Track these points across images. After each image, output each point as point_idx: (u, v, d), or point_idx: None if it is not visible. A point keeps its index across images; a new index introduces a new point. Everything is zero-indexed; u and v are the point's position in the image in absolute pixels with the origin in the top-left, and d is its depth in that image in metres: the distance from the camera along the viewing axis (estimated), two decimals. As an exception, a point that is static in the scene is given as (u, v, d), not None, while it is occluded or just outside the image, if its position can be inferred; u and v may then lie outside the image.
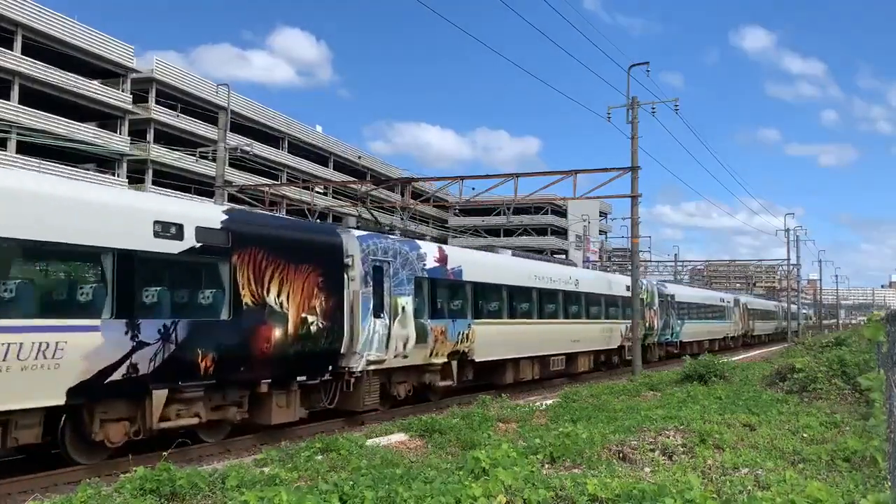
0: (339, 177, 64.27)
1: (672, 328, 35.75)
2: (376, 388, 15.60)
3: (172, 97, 54.11)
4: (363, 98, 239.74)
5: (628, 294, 27.39)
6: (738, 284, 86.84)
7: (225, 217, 12.19)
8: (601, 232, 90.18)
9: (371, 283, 15.21)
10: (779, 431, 10.59)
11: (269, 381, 12.68)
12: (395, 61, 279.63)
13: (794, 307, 77.53)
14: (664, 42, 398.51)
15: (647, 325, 30.80)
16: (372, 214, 24.28)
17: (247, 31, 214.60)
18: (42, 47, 43.91)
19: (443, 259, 18.12)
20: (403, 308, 16.22)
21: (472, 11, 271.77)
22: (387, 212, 56.96)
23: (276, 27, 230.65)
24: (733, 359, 28.00)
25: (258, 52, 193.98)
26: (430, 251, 17.81)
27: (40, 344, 9.26)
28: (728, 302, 49.14)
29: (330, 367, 14.26)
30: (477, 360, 19.00)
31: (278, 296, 12.71)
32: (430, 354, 17.14)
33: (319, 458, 9.24)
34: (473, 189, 32.98)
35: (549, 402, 15.79)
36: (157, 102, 53.25)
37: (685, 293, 41.32)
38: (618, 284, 30.11)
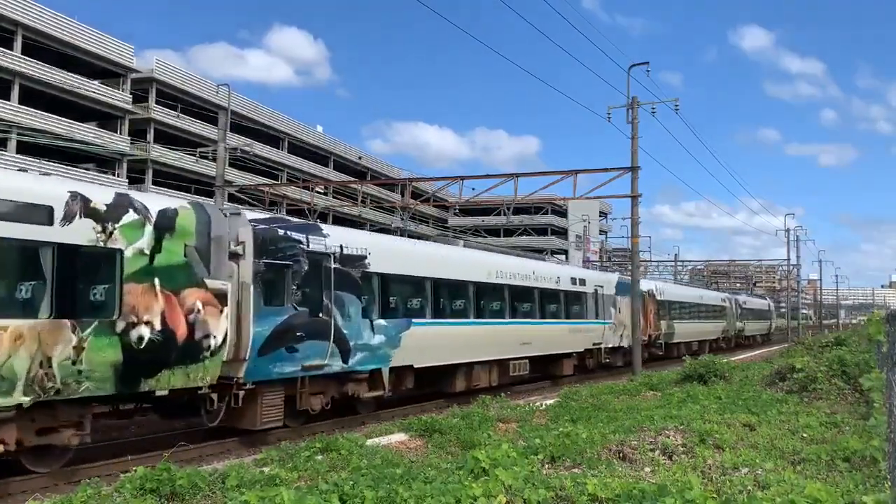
0: (339, 177, 64.31)
1: (360, 341, 15.27)
2: None
3: (172, 97, 54.13)
4: (361, 97, 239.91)
5: None
6: (738, 284, 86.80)
7: None
8: (601, 232, 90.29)
9: None
10: (779, 431, 10.60)
11: None
12: (393, 60, 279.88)
13: (752, 301, 59.91)
14: (663, 41, 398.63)
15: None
16: None
17: (243, 31, 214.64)
18: (42, 47, 43.92)
19: None
20: None
21: (471, 10, 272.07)
22: (387, 212, 57.01)
23: (272, 26, 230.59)
24: (733, 358, 27.98)
25: (255, 51, 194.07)
26: None
27: None
28: (597, 287, 27.47)
29: None
30: None
31: None
32: None
33: (319, 458, 9.25)
34: (473, 189, 33.02)
35: (549, 402, 15.80)
36: (157, 102, 53.26)
37: (443, 258, 19.30)
38: None
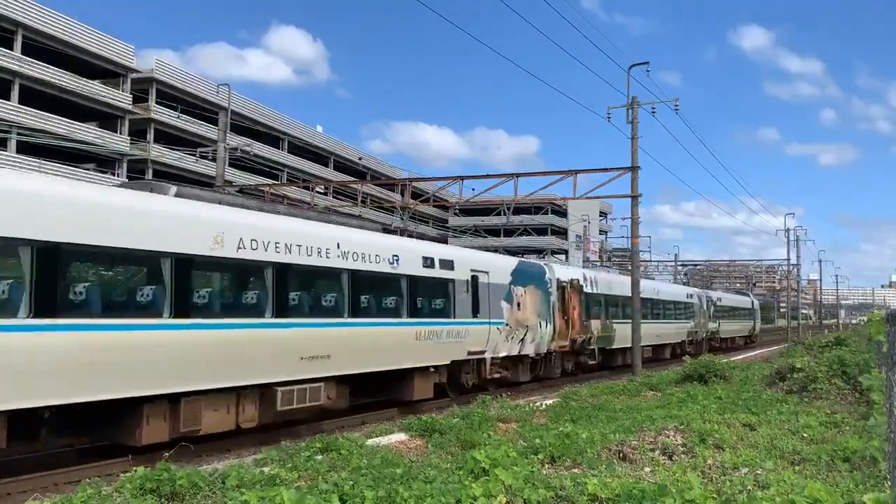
0: (339, 177, 64.33)
1: None
2: None
3: (172, 97, 54.16)
4: (360, 97, 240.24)
5: None
6: (738, 284, 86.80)
7: None
8: (601, 232, 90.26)
9: None
10: (779, 431, 10.59)
11: None
12: (392, 60, 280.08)
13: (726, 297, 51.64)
14: (662, 41, 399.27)
15: None
16: None
17: (241, 30, 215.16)
18: (42, 47, 43.93)
19: None
20: None
21: (470, 9, 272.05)
22: (387, 212, 56.98)
23: (270, 25, 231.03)
24: (733, 359, 27.96)
25: (254, 50, 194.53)
26: None
27: None
28: (475, 273, 19.83)
29: None
30: None
31: None
32: None
33: (319, 457, 9.24)
34: (473, 189, 33.05)
35: (549, 402, 15.80)
36: (157, 102, 53.30)
37: (81, 207, 10.49)
38: None
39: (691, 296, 41.95)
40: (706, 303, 44.13)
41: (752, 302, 60.20)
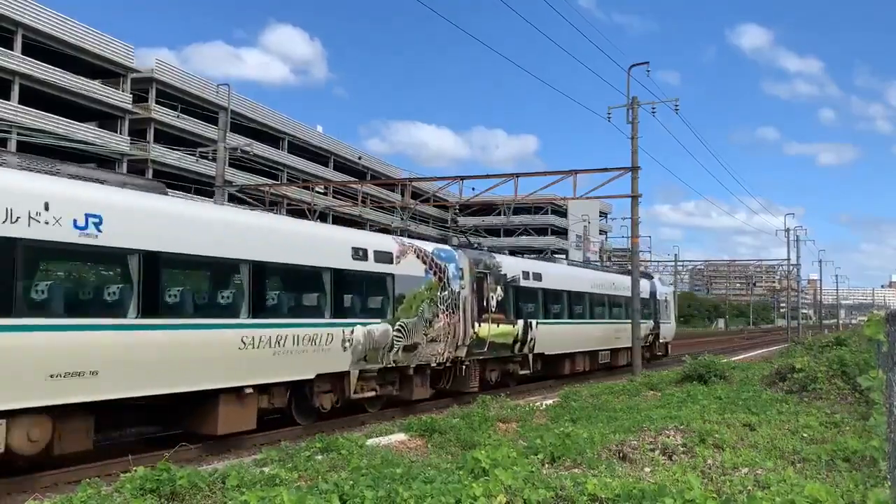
0: (339, 177, 64.33)
1: None
2: None
3: (172, 97, 54.15)
4: (358, 96, 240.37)
5: None
6: (738, 284, 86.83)
7: None
8: (601, 232, 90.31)
9: None
10: (779, 431, 10.59)
11: None
12: (390, 59, 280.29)
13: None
14: (661, 40, 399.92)
15: None
16: None
17: (238, 30, 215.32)
18: (42, 47, 43.93)
19: None
20: None
21: (469, 8, 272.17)
22: (387, 212, 56.99)
23: (267, 24, 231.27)
24: (734, 358, 27.96)
25: (251, 49, 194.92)
26: None
27: None
28: None
29: None
30: None
31: None
32: None
33: (319, 458, 9.24)
34: (473, 189, 33.01)
35: (549, 402, 15.80)
36: (157, 102, 53.30)
37: None
38: None
39: (395, 257, 16.54)
40: (475, 277, 19.87)
41: (656, 290, 34.55)
